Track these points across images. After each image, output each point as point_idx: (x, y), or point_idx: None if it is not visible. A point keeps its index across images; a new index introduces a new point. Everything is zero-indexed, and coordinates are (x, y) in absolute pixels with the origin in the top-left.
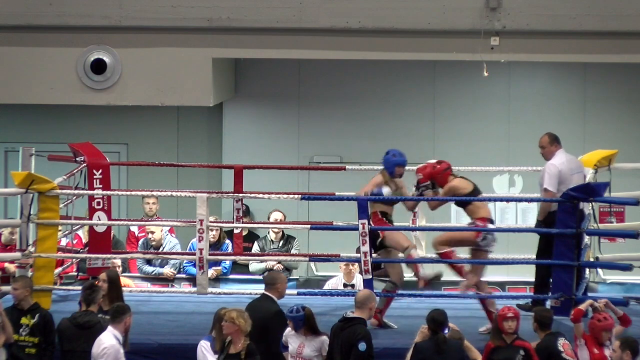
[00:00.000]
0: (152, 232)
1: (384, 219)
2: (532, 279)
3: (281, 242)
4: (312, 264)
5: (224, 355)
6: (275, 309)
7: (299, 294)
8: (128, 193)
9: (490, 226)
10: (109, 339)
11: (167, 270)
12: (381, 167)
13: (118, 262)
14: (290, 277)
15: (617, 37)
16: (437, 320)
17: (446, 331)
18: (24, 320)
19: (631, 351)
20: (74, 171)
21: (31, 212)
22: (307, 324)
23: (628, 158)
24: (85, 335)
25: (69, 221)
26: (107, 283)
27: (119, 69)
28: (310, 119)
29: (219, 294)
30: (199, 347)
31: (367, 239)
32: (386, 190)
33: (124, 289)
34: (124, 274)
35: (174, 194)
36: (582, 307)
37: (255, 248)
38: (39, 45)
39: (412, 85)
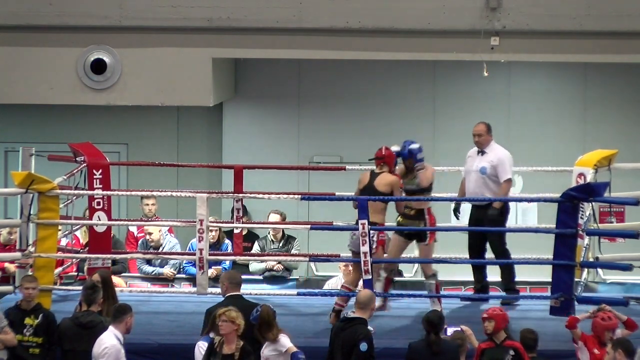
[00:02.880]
0: (150, 233)
1: None
2: (532, 279)
3: (281, 243)
4: (312, 264)
5: (219, 357)
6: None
7: (299, 294)
8: (128, 193)
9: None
10: (110, 339)
11: (167, 270)
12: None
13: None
14: (291, 277)
15: (617, 37)
16: (431, 321)
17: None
18: (27, 321)
19: (623, 350)
20: (74, 171)
21: (31, 212)
22: (263, 323)
23: (628, 158)
24: (87, 335)
25: (69, 221)
26: (101, 284)
27: (119, 69)
28: (310, 119)
29: (219, 294)
30: (197, 348)
31: (367, 239)
32: None
33: (118, 288)
34: (122, 274)
35: (174, 194)
36: (579, 317)
37: (256, 248)
38: (39, 45)
39: (412, 85)
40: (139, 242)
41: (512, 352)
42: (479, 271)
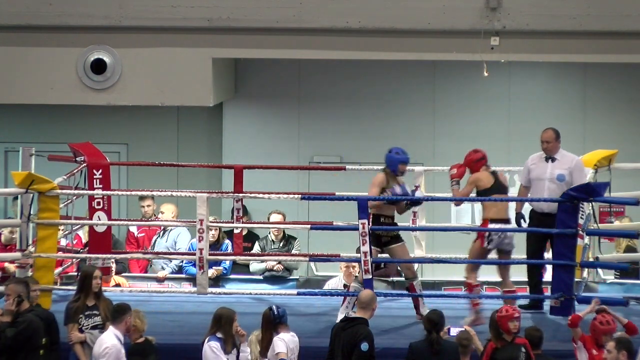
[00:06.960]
0: (162, 213)
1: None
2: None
3: (282, 243)
4: (312, 264)
5: None
6: None
7: (299, 294)
8: (128, 193)
9: (493, 226)
10: (110, 339)
11: (161, 273)
12: (382, 166)
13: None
14: (291, 277)
15: (617, 37)
16: (432, 320)
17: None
18: None
19: (627, 351)
20: (74, 171)
21: (31, 212)
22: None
23: (628, 158)
24: (45, 327)
25: (69, 221)
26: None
27: (119, 69)
28: (310, 119)
29: (219, 294)
30: (208, 348)
31: (367, 239)
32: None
33: (118, 288)
34: (123, 274)
35: (174, 194)
36: (581, 314)
37: (256, 248)
38: (39, 45)
39: (412, 85)
40: (153, 239)
41: (523, 350)
42: (537, 277)
